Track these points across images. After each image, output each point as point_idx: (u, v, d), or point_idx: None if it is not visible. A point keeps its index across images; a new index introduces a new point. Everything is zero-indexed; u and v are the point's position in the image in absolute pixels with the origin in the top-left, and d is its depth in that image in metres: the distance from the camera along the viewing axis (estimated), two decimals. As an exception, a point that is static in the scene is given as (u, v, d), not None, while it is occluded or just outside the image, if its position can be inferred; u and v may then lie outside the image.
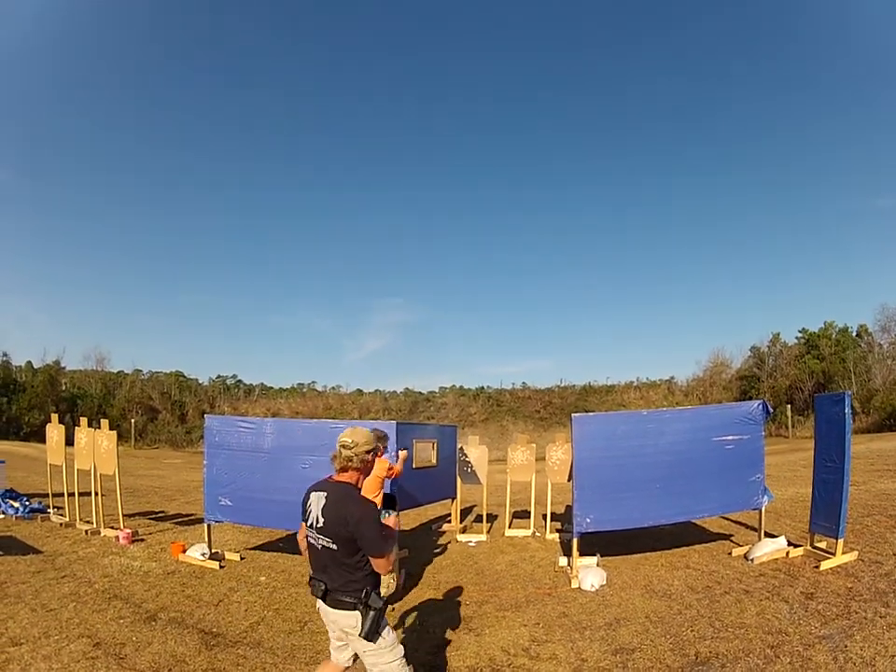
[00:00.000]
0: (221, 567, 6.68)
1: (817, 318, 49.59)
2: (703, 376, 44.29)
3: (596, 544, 6.79)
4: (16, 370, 40.53)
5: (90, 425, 9.00)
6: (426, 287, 71.89)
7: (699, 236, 65.60)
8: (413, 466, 7.55)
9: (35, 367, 40.81)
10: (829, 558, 5.95)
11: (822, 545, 6.43)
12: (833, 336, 39.25)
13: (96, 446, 8.40)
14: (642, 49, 64.18)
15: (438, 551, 7.80)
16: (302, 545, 2.97)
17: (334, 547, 2.66)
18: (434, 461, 8.30)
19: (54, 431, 9.22)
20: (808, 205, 59.68)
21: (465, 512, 10.42)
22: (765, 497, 6.62)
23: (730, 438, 6.47)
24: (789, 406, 33.87)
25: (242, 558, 7.13)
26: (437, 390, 47.05)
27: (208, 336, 68.70)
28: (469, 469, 8.95)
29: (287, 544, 7.84)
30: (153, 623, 4.77)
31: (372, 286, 71.08)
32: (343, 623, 2.70)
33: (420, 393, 46.52)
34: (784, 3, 57.87)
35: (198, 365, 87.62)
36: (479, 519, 9.49)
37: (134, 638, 4.43)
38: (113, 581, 5.98)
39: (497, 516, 9.95)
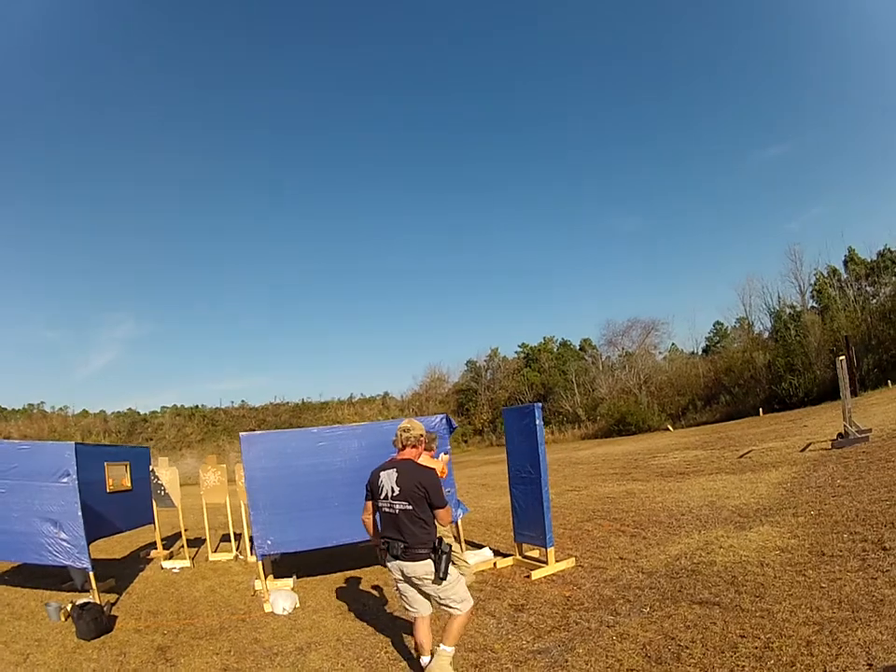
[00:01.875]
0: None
1: (538, 335, 55.28)
2: (419, 391, 46.60)
3: (296, 565, 7.04)
4: None
5: None
6: (153, 301, 68.37)
7: (421, 252, 70.38)
8: (108, 490, 7.47)
9: None
10: (541, 567, 5.84)
11: (535, 553, 6.43)
12: (555, 350, 43.33)
13: None
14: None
15: (142, 579, 7.60)
16: (369, 522, 3.79)
17: (410, 507, 3.47)
18: (129, 484, 8.23)
19: None
20: (544, 223, 67.39)
21: (176, 538, 10.18)
22: (460, 511, 6.71)
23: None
24: (506, 418, 37.62)
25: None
26: (158, 410, 45.30)
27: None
28: (163, 492, 8.81)
29: (12, 577, 7.21)
30: None
31: (98, 297, 65.52)
32: (420, 571, 3.46)
33: (138, 413, 44.51)
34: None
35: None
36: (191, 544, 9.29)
37: None
38: None
39: (205, 540, 9.44)
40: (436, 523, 3.62)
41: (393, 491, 3.55)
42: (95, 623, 5.37)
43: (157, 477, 8.77)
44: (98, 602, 5.77)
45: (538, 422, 6.04)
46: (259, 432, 7.00)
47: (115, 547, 9.84)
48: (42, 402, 46.44)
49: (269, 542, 6.11)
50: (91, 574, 6.18)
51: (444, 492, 6.07)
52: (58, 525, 6.21)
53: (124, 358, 64.21)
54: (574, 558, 6.04)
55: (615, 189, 65.03)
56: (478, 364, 45.83)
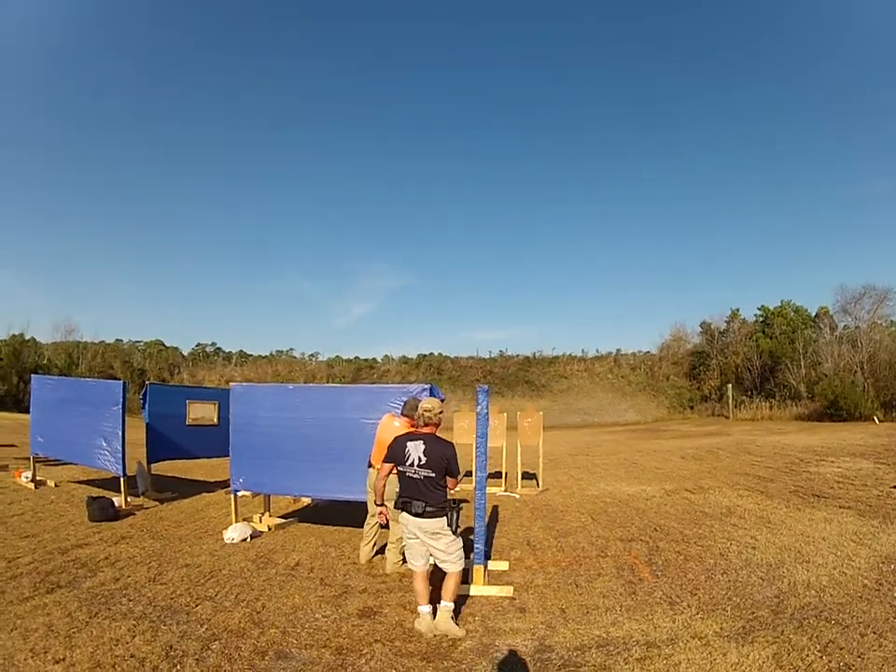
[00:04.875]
0: None
1: (778, 297, 47.93)
2: (655, 351, 44.35)
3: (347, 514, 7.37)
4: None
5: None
6: (414, 253, 73.10)
7: (670, 214, 68.13)
8: (187, 423, 9.24)
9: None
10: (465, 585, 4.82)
11: (502, 565, 5.59)
12: (790, 315, 37.94)
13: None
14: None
15: (200, 497, 9.13)
16: (380, 486, 4.39)
17: (433, 475, 4.10)
18: (215, 420, 9.84)
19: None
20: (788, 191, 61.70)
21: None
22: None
23: (374, 421, 5.94)
24: (730, 386, 33.11)
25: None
26: (418, 356, 47.32)
27: (191, 303, 70.38)
28: None
29: (108, 483, 9.21)
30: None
31: (360, 249, 72.31)
32: (435, 526, 4.10)
33: (365, 360, 47.10)
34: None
35: (180, 334, 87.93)
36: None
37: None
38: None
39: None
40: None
41: (420, 460, 4.11)
42: (101, 511, 7.33)
43: (234, 417, 10.25)
44: (110, 499, 7.66)
45: (479, 408, 5.11)
46: (246, 384, 7.71)
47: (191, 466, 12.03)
48: (291, 349, 49.22)
49: (241, 480, 6.89)
50: (123, 479, 7.97)
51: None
52: (107, 441, 8.18)
53: (382, 308, 71.49)
54: (513, 587, 4.87)
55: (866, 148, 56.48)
56: (712, 326, 41.82)
